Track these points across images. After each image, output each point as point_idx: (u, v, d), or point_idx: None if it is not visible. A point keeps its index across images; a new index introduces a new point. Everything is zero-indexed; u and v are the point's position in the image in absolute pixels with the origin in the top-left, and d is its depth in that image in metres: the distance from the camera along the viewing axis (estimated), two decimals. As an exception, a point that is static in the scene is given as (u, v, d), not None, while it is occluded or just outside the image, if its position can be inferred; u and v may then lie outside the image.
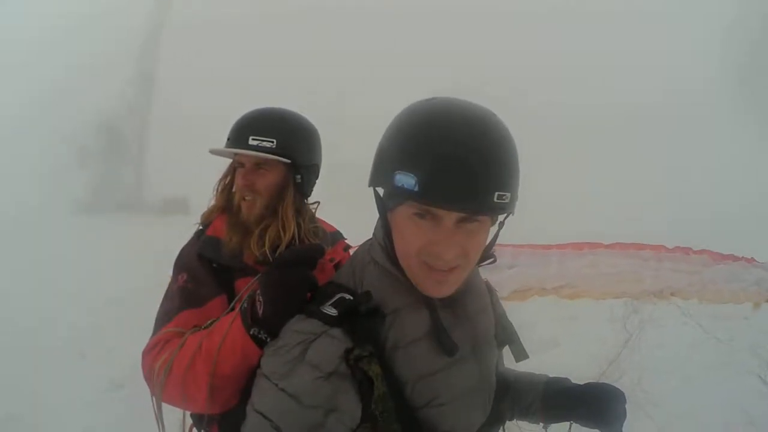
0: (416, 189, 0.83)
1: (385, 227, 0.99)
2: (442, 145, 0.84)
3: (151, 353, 1.26)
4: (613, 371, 3.27)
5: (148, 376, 1.24)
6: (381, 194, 0.97)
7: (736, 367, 3.66)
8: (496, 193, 0.84)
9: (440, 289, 0.93)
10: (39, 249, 8.07)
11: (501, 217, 0.97)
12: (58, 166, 11.61)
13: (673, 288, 3.73)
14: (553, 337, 4.79)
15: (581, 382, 1.22)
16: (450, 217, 0.86)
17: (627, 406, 1.13)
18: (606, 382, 1.21)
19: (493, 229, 1.00)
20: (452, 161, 0.83)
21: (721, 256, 3.76)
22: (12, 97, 12.24)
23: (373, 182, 0.96)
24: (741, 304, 3.57)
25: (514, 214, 0.94)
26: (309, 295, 1.05)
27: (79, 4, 14.21)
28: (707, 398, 3.53)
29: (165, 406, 1.26)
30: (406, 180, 0.84)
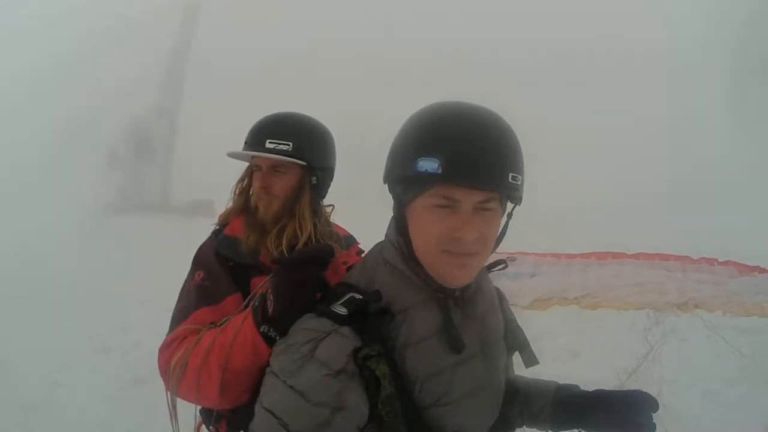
0: (440, 171, 0.88)
1: (399, 225, 1.01)
2: (461, 130, 0.91)
3: (167, 350, 1.29)
4: (632, 383, 3.21)
5: (164, 372, 1.26)
6: (396, 190, 1.00)
7: (759, 381, 3.55)
8: (511, 174, 0.90)
9: (462, 272, 0.94)
10: (71, 249, 8.31)
11: (509, 208, 1.02)
12: (89, 169, 11.94)
13: (698, 300, 3.67)
14: (573, 348, 4.72)
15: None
16: (468, 202, 0.90)
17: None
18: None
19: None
20: (471, 143, 0.89)
21: (747, 267, 3.68)
22: (49, 110, 12.67)
23: (390, 176, 1.00)
24: (766, 317, 3.48)
25: (521, 204, 1.00)
26: (319, 295, 1.06)
27: (108, 17, 14.66)
28: (730, 413, 3.44)
29: (181, 403, 1.30)
30: (429, 164, 0.89)
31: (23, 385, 4.25)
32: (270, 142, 1.46)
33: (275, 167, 1.48)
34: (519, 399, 1.23)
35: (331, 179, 1.62)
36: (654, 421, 1.08)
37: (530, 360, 1.16)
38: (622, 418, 1.09)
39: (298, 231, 1.47)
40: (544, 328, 4.25)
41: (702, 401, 3.68)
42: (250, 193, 1.57)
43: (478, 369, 1.02)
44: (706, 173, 9.68)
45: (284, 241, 1.44)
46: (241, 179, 1.61)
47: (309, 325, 0.96)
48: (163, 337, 1.34)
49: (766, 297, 3.49)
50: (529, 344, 1.18)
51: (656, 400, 1.09)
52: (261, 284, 1.24)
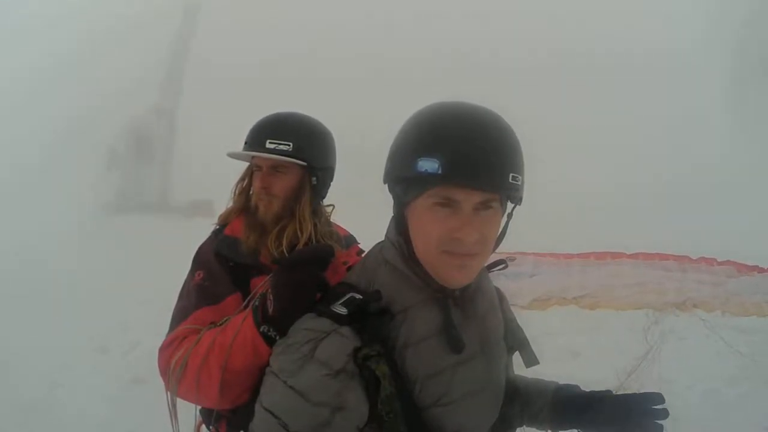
0: (440, 171, 0.88)
1: (399, 225, 1.01)
2: (461, 130, 0.91)
3: (168, 349, 1.29)
4: (632, 383, 3.22)
5: (164, 372, 1.27)
6: (396, 190, 1.00)
7: (758, 381, 3.56)
8: (511, 174, 0.90)
9: (461, 273, 0.94)
10: (71, 249, 8.31)
11: (509, 208, 1.02)
12: (89, 169, 11.95)
13: (696, 300, 3.67)
14: (572, 348, 4.72)
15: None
16: (469, 203, 0.90)
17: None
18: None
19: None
20: (471, 144, 0.89)
21: (746, 267, 3.68)
22: (49, 109, 12.69)
23: (390, 176, 1.00)
24: (765, 317, 3.48)
25: (521, 203, 0.99)
26: (319, 295, 1.06)
27: (108, 17, 14.68)
28: (728, 413, 3.44)
29: (181, 403, 1.30)
30: (429, 165, 0.89)
31: (23, 385, 4.25)
32: (270, 143, 1.46)
33: (275, 167, 1.48)
34: (519, 399, 1.22)
35: (332, 179, 1.62)
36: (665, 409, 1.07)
37: (530, 360, 1.16)
38: (622, 419, 1.08)
39: (299, 231, 1.47)
40: (543, 328, 4.26)
41: (701, 401, 3.68)
42: (251, 193, 1.57)
43: (478, 369, 1.02)
44: (706, 173, 9.70)
45: (284, 242, 1.45)
46: (242, 179, 1.61)
47: (309, 325, 0.96)
48: (163, 337, 1.34)
49: (765, 297, 3.49)
50: (529, 344, 1.18)
51: (660, 395, 1.08)
52: (261, 284, 1.24)
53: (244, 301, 1.31)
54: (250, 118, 1.56)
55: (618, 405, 1.10)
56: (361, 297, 0.97)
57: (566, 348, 4.67)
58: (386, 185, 1.02)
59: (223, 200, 1.63)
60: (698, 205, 8.37)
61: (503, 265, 1.13)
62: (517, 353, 1.18)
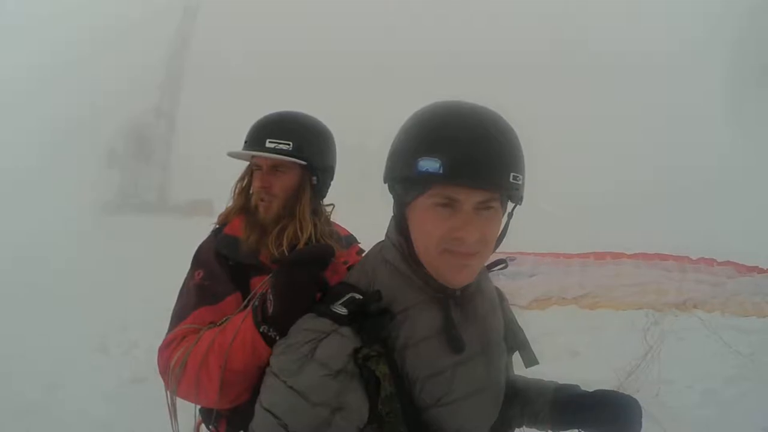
0: (441, 171, 0.88)
1: (400, 225, 1.01)
2: (462, 130, 0.91)
3: (167, 349, 1.28)
4: (631, 383, 3.22)
5: (164, 372, 1.26)
6: (397, 190, 1.00)
7: (757, 381, 3.57)
8: (512, 174, 0.90)
9: (462, 272, 0.95)
10: (70, 248, 8.32)
11: (510, 207, 1.02)
12: (88, 169, 11.98)
13: (696, 300, 3.67)
14: (572, 347, 4.74)
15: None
16: (469, 202, 0.90)
17: (643, 420, 1.10)
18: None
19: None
20: (473, 143, 0.89)
21: (746, 267, 3.69)
22: (49, 109, 12.72)
23: (390, 176, 1.00)
24: (764, 317, 3.49)
25: (521, 203, 0.99)
26: (319, 295, 1.06)
27: (108, 17, 14.73)
28: (727, 413, 3.45)
29: (180, 402, 1.30)
30: (430, 164, 0.89)
31: (23, 385, 4.25)
32: (270, 142, 1.46)
33: (275, 167, 1.48)
34: (519, 399, 1.22)
35: (332, 179, 1.62)
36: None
37: (530, 360, 1.17)
38: (622, 418, 1.08)
39: (299, 231, 1.47)
40: (543, 328, 4.27)
41: (700, 400, 3.69)
42: (251, 192, 1.56)
43: (478, 369, 1.02)
44: (706, 173, 9.74)
45: (285, 241, 1.44)
46: (241, 179, 1.61)
47: (309, 325, 0.95)
48: (162, 337, 1.34)
49: (765, 297, 3.49)
50: (529, 344, 1.18)
51: (634, 399, 1.10)
52: (261, 284, 1.24)
53: (243, 300, 1.31)
54: (250, 117, 1.55)
55: (618, 405, 1.10)
56: (361, 297, 0.97)
57: (566, 348, 4.69)
58: (387, 185, 1.02)
59: (223, 200, 1.62)
60: (698, 205, 8.40)
61: (503, 265, 1.13)
62: (517, 353, 1.19)
